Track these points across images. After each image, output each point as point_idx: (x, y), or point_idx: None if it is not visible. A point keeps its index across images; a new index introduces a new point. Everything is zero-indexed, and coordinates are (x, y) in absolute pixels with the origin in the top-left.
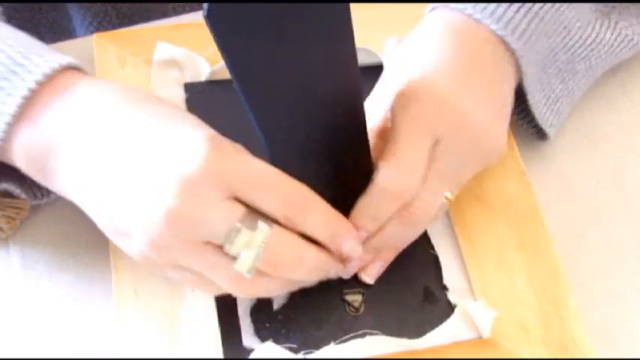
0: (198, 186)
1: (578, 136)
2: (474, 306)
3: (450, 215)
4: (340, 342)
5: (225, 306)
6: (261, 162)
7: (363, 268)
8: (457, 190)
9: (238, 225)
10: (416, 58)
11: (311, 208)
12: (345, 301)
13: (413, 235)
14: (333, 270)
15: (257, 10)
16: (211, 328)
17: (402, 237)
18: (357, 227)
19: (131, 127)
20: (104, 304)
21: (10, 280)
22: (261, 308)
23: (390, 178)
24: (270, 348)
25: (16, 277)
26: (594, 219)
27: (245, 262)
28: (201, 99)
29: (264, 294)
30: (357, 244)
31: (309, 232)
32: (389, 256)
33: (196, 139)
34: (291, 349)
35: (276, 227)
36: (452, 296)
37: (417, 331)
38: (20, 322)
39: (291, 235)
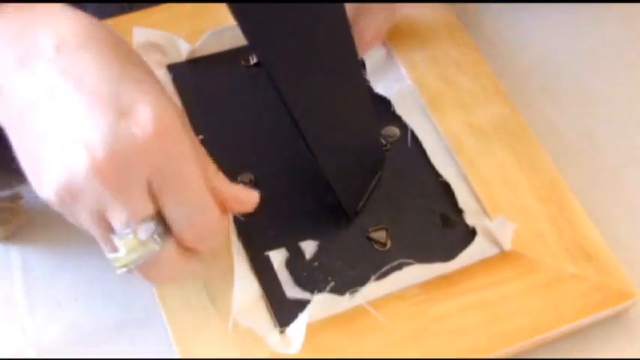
0: (129, 156)
1: (578, 135)
2: (495, 222)
3: (449, 145)
4: (380, 276)
5: (261, 265)
6: (198, 178)
7: None
8: None
9: (132, 229)
10: None
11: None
12: (371, 239)
13: None
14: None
15: None
16: (254, 288)
17: None
18: None
19: (85, 67)
20: (104, 306)
21: (10, 281)
22: (295, 260)
23: None
24: (322, 298)
25: (16, 278)
26: (594, 219)
27: (120, 261)
28: (186, 78)
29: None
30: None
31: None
32: None
33: (147, 109)
34: (338, 293)
35: (170, 247)
36: (468, 218)
37: (446, 255)
38: (20, 323)
39: (179, 256)
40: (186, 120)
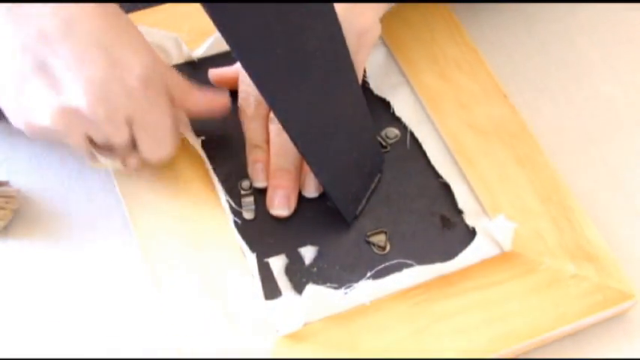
0: (123, 78)
1: (578, 136)
2: (495, 222)
3: (449, 145)
4: (378, 276)
5: (262, 270)
6: (166, 123)
7: (302, 185)
8: None
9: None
10: None
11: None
12: (370, 243)
13: None
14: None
15: None
16: (255, 290)
17: (291, 148)
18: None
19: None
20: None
21: (8, 274)
22: (294, 266)
23: (239, 105)
24: (314, 289)
25: (15, 271)
26: (594, 219)
27: (100, 166)
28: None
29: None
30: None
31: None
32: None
33: (145, 51)
34: (333, 288)
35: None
36: (468, 219)
37: (446, 257)
38: (19, 316)
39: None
40: (170, 72)
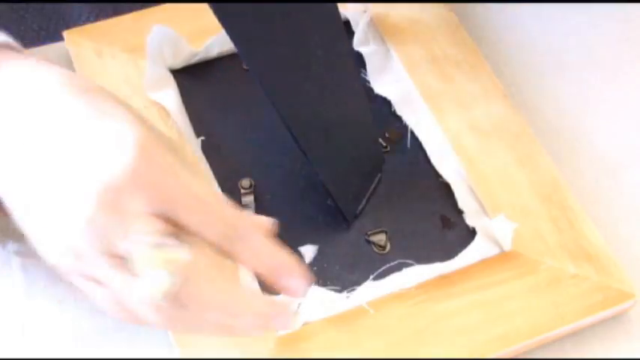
0: (119, 195)
1: (578, 135)
2: (495, 222)
3: (449, 145)
4: (379, 277)
5: None
6: (197, 179)
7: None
8: None
9: (158, 240)
10: None
11: (252, 237)
12: (370, 242)
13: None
14: (272, 322)
15: None
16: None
17: None
18: None
19: (56, 117)
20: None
21: (10, 280)
22: None
23: None
24: (316, 291)
25: (16, 278)
26: (594, 219)
27: (160, 283)
28: (189, 82)
29: (189, 330)
30: (302, 282)
31: (248, 262)
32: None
33: (126, 141)
34: (335, 291)
35: (205, 252)
36: (468, 219)
37: (446, 257)
38: (20, 322)
39: (219, 265)
40: (174, 144)
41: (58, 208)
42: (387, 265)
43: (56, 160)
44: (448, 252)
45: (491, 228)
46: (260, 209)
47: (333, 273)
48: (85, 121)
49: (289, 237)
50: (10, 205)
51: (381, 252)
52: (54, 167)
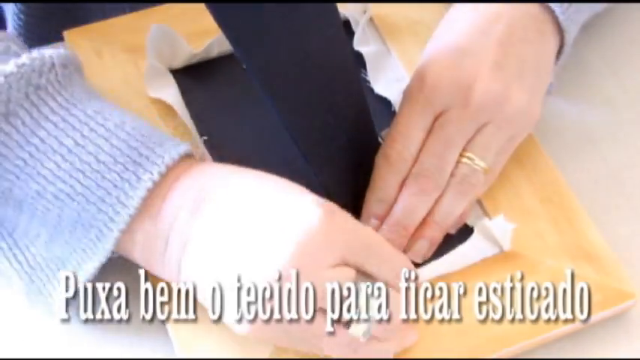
0: (313, 249)
1: (578, 136)
2: (494, 222)
3: None
4: None
5: None
6: (367, 227)
7: (408, 246)
8: (492, 159)
9: (355, 286)
10: (443, 32)
11: (414, 275)
12: None
13: (429, 205)
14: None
15: None
16: None
17: (419, 208)
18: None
19: (243, 205)
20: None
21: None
22: None
23: (385, 152)
24: None
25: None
26: (594, 219)
27: (361, 324)
28: (190, 81)
29: (379, 355)
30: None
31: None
32: (428, 233)
33: (310, 206)
34: None
35: (391, 290)
36: (468, 219)
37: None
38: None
39: (400, 298)
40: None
41: (256, 271)
42: None
43: (255, 234)
44: (448, 252)
45: (491, 228)
46: None
47: None
48: (272, 198)
49: None
50: (207, 291)
51: None
52: (254, 239)
